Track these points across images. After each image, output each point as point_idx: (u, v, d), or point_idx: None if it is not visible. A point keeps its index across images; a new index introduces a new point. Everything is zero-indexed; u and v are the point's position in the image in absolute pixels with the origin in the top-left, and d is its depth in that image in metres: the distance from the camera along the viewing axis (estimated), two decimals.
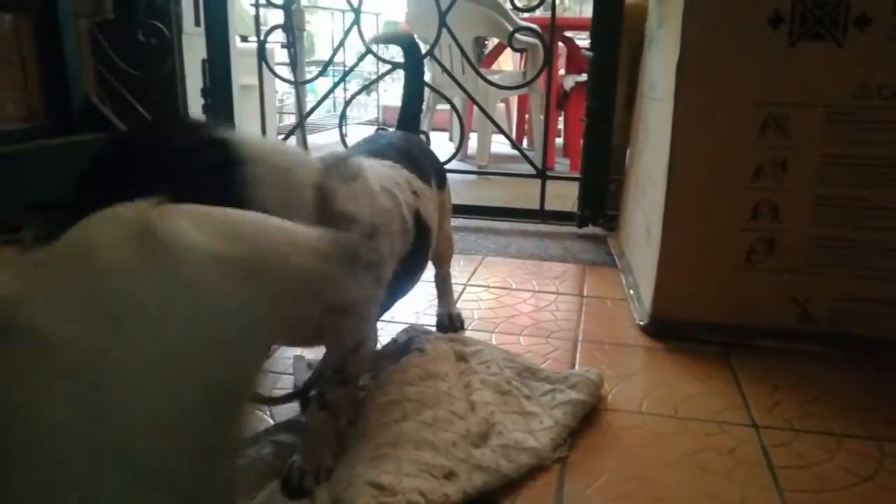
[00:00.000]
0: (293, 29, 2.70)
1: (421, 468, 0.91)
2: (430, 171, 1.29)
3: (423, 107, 4.15)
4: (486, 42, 4.61)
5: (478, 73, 2.60)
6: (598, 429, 1.17)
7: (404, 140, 1.33)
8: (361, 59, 2.81)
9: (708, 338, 1.50)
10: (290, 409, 1.18)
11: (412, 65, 1.47)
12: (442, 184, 1.37)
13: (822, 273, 1.44)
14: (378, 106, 5.70)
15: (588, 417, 1.18)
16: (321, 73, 3.16)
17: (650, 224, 1.63)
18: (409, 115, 1.47)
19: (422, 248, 1.15)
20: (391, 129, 1.51)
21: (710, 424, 1.19)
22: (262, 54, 2.63)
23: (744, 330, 1.49)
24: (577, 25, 4.53)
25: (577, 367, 1.38)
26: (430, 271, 1.64)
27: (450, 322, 1.56)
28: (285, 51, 5.18)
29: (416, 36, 4.10)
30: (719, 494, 1.00)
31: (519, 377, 1.26)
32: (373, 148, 1.21)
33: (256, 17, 2.69)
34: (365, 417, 1.06)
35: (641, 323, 1.57)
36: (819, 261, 1.44)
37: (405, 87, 1.49)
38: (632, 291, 1.76)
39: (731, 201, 1.44)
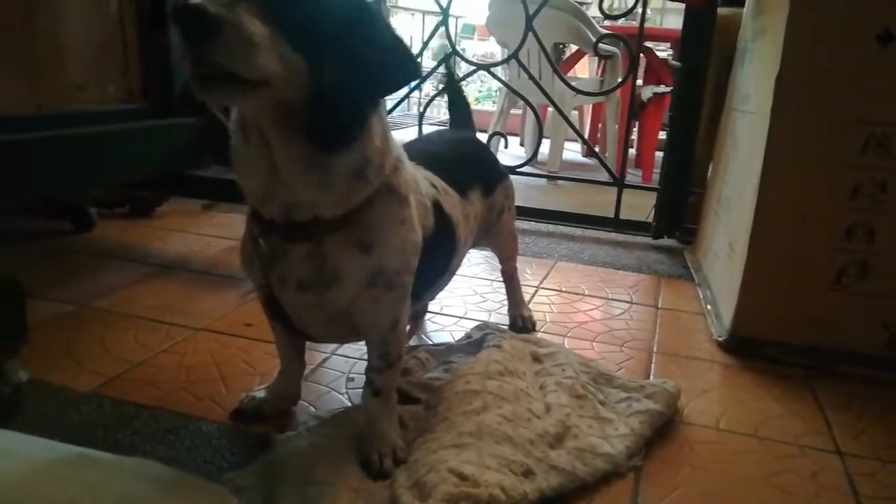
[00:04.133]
0: None
1: (501, 463, 0.92)
2: (470, 178, 1.30)
3: (497, 109, 4.18)
4: (564, 49, 4.59)
5: (561, 77, 2.59)
6: (674, 441, 1.15)
7: (447, 148, 1.35)
8: (444, 60, 2.83)
9: (788, 358, 1.46)
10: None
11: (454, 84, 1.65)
12: (489, 191, 1.38)
13: None
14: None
15: (663, 429, 1.16)
16: None
17: (734, 240, 1.59)
18: (462, 119, 1.55)
19: (445, 237, 1.16)
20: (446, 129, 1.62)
21: (792, 447, 1.16)
22: None
23: (827, 353, 1.44)
24: (659, 36, 4.47)
25: (651, 377, 1.37)
26: (496, 271, 1.65)
27: (522, 323, 1.56)
28: None
29: (495, 40, 4.11)
30: None
31: (594, 383, 1.25)
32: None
33: None
34: (446, 403, 1.08)
35: (719, 339, 1.54)
36: None
37: (450, 96, 1.60)
38: (709, 306, 1.72)
39: (825, 221, 1.40)
